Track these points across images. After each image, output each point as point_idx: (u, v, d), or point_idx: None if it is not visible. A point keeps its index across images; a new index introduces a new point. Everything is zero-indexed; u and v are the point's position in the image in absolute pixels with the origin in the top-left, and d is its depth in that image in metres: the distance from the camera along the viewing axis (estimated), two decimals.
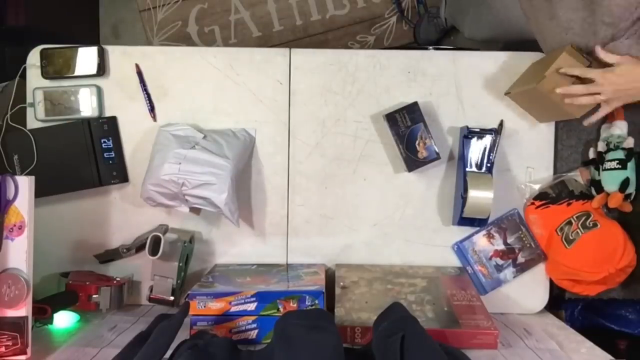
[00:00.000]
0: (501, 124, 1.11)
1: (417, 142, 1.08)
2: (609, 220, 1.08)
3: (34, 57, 1.11)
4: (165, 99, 1.12)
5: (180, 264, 1.06)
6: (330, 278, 1.08)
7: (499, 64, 1.12)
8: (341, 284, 1.06)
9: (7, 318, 0.88)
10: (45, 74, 1.10)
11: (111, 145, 1.11)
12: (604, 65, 0.91)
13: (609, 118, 1.12)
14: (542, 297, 1.14)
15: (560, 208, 1.11)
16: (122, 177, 1.12)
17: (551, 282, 1.14)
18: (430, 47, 1.32)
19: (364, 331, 0.94)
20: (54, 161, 1.08)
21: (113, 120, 1.11)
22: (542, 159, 1.14)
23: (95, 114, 1.11)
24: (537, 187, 1.14)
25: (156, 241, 1.02)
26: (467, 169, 1.08)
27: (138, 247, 1.11)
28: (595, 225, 1.06)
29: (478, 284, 1.12)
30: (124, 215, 1.13)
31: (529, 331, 1.02)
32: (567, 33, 0.93)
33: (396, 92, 1.13)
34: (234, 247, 1.15)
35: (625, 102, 0.94)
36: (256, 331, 0.94)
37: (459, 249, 1.14)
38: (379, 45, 1.70)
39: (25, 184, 0.90)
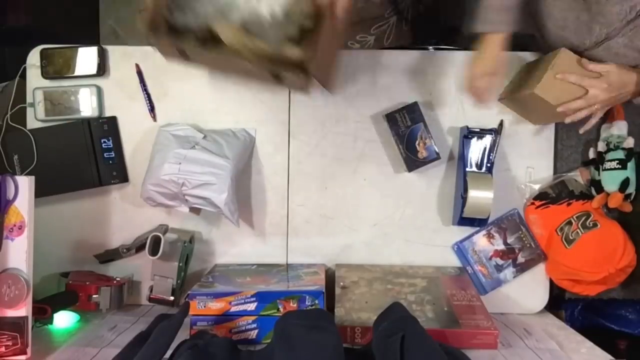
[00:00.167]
0: (501, 124, 1.11)
1: (417, 142, 1.08)
2: (609, 220, 1.08)
3: (34, 57, 1.11)
4: (165, 99, 1.13)
5: (180, 264, 1.06)
6: (330, 278, 1.08)
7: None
8: (341, 284, 1.06)
9: (7, 318, 0.88)
10: (45, 74, 1.10)
11: (111, 145, 1.11)
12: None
13: (609, 118, 1.12)
14: (542, 297, 1.14)
15: (560, 208, 1.11)
16: (122, 177, 1.12)
17: (551, 282, 1.14)
18: (430, 47, 1.31)
19: (364, 331, 0.94)
20: (54, 161, 1.09)
21: (113, 120, 1.12)
22: (542, 159, 1.14)
23: (95, 114, 1.11)
24: (537, 187, 1.14)
25: (156, 241, 1.02)
26: (467, 169, 1.08)
27: (138, 247, 1.11)
28: (595, 225, 1.06)
29: (478, 284, 1.12)
30: (124, 215, 1.13)
31: (529, 331, 1.02)
32: (563, 30, 0.93)
33: (396, 92, 1.13)
34: (234, 247, 1.15)
35: (611, 106, 0.96)
36: (256, 331, 0.94)
37: (459, 249, 1.14)
38: (379, 45, 1.70)
39: (25, 184, 0.90)
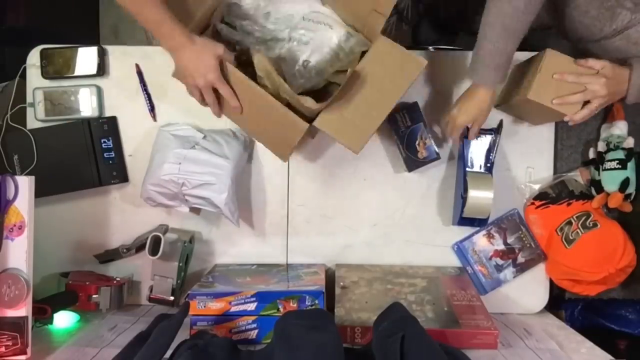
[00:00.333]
0: (501, 123, 1.11)
1: (417, 142, 1.08)
2: (609, 220, 1.08)
3: (34, 57, 1.11)
4: (165, 99, 1.12)
5: (180, 264, 1.06)
6: (330, 278, 1.08)
7: None
8: (341, 284, 1.06)
9: (7, 318, 0.88)
10: (45, 74, 1.10)
11: (111, 145, 1.11)
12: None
13: (609, 118, 1.12)
14: (542, 297, 1.14)
15: (560, 208, 1.11)
16: (122, 177, 1.12)
17: (551, 282, 1.14)
18: (430, 47, 1.31)
19: (364, 331, 0.94)
20: (54, 161, 1.09)
21: (113, 120, 1.11)
22: (542, 159, 1.14)
23: (95, 114, 1.11)
24: (537, 187, 1.14)
25: (156, 241, 1.02)
26: (467, 169, 1.08)
27: (138, 247, 1.11)
28: (595, 225, 1.06)
29: (478, 284, 1.12)
30: (124, 215, 1.13)
31: (529, 331, 1.02)
32: (584, 17, 0.92)
33: None
34: (234, 247, 1.15)
35: (608, 103, 0.96)
36: (256, 331, 0.94)
37: (459, 249, 1.14)
38: None
39: (25, 184, 0.90)
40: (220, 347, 0.83)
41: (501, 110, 1.12)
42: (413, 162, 1.08)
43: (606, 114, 1.13)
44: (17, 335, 0.88)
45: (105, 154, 1.10)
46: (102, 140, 1.10)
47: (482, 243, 1.14)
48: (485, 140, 1.08)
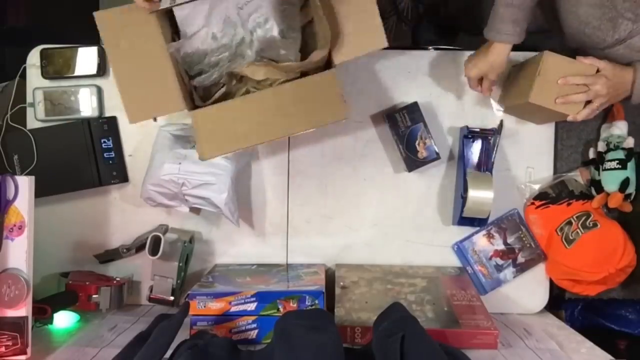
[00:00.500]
0: (501, 124, 1.11)
1: (417, 142, 1.08)
2: (609, 220, 1.08)
3: (34, 57, 1.11)
4: None
5: (180, 264, 1.06)
6: (330, 278, 1.08)
7: None
8: (341, 284, 1.06)
9: (7, 318, 0.88)
10: (45, 74, 1.10)
11: (111, 145, 1.11)
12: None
13: (609, 118, 1.12)
14: (542, 297, 1.14)
15: (560, 208, 1.11)
16: (122, 177, 1.12)
17: (551, 282, 1.14)
18: (430, 47, 1.31)
19: (364, 331, 0.94)
20: (54, 161, 1.08)
21: (113, 120, 1.11)
22: (542, 159, 1.14)
23: (95, 114, 1.11)
24: (537, 187, 1.14)
25: (156, 241, 1.02)
26: (467, 169, 1.08)
27: (138, 247, 1.11)
28: (595, 225, 1.06)
29: (478, 284, 1.12)
30: (124, 215, 1.13)
31: (529, 331, 1.02)
32: (585, 27, 0.92)
33: (396, 92, 1.13)
34: (234, 247, 1.15)
35: (610, 103, 0.97)
36: (256, 331, 0.94)
37: (459, 249, 1.14)
38: None
39: (25, 184, 0.90)
40: (220, 347, 0.83)
41: (505, 113, 1.12)
42: (413, 162, 1.08)
43: (606, 114, 1.13)
44: (17, 335, 0.88)
45: (105, 154, 1.10)
46: (102, 140, 1.10)
47: (482, 243, 1.14)
48: (485, 140, 1.08)
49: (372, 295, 1.03)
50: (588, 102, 0.93)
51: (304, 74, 0.88)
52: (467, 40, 1.42)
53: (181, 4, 0.88)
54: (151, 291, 1.07)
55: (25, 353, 0.88)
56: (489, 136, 1.08)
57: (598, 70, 0.93)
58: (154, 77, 0.87)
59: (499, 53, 0.95)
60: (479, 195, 1.04)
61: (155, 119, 1.11)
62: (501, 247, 1.13)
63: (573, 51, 0.97)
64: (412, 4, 1.71)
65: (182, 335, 0.87)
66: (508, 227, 1.14)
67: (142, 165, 1.07)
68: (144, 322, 1.02)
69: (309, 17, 0.94)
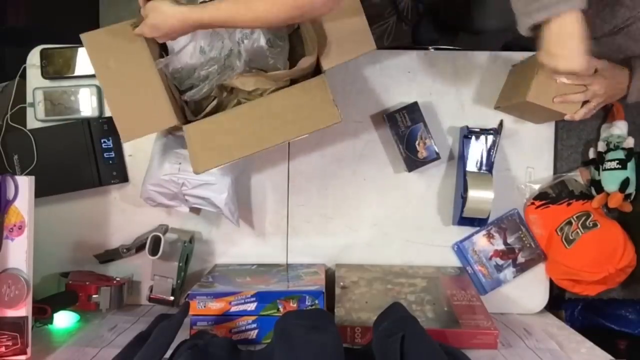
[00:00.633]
0: (501, 123, 1.11)
1: (417, 142, 1.08)
2: (609, 220, 1.08)
3: (34, 57, 1.11)
4: None
5: (180, 264, 1.06)
6: (330, 278, 1.08)
7: (499, 64, 1.12)
8: (341, 284, 1.06)
9: (7, 318, 0.88)
10: (45, 74, 1.10)
11: (111, 145, 1.11)
12: None
13: (609, 118, 1.12)
14: (542, 297, 1.14)
15: (560, 208, 1.11)
16: (122, 177, 1.12)
17: (551, 282, 1.14)
18: (430, 47, 1.31)
19: (364, 331, 0.94)
20: (54, 161, 1.08)
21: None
22: (542, 159, 1.14)
23: (95, 114, 1.11)
24: (537, 187, 1.14)
25: (156, 241, 1.02)
26: (467, 169, 1.08)
27: (138, 247, 1.11)
28: (595, 225, 1.06)
29: (478, 284, 1.12)
30: (123, 215, 1.13)
31: (529, 331, 1.02)
32: (584, 15, 0.92)
33: (396, 92, 1.13)
34: (234, 247, 1.15)
35: (606, 103, 0.97)
36: (256, 331, 0.94)
37: (459, 249, 1.14)
38: (379, 45, 1.70)
39: (25, 184, 0.90)
40: (220, 347, 0.83)
41: (501, 111, 1.12)
42: (413, 162, 1.08)
43: (606, 114, 1.13)
44: (17, 335, 0.88)
45: (105, 154, 1.10)
46: (102, 140, 1.10)
47: (482, 243, 1.14)
48: (485, 140, 1.08)
49: (372, 295, 1.03)
50: (585, 102, 0.94)
51: (293, 82, 0.88)
52: (467, 40, 1.42)
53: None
54: (151, 291, 1.07)
55: (25, 353, 0.88)
56: (488, 136, 1.08)
57: (596, 70, 0.93)
58: (144, 94, 0.87)
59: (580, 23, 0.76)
60: (479, 195, 1.04)
61: None
62: (501, 247, 1.13)
63: None
64: (412, 4, 1.71)
65: (182, 335, 0.87)
66: (508, 227, 1.14)
67: (142, 165, 1.07)
68: (144, 322, 1.02)
69: (296, 24, 0.94)
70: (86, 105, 1.10)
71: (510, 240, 1.13)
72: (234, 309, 0.94)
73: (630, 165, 1.05)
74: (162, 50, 0.94)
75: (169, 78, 0.91)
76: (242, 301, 0.94)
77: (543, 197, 1.12)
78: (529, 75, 0.96)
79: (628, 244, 1.04)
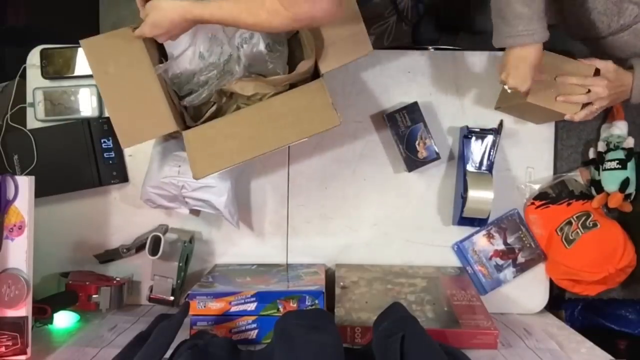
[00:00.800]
0: (501, 123, 1.11)
1: (417, 142, 1.08)
2: (609, 220, 1.08)
3: (34, 57, 1.11)
4: None
5: (180, 264, 1.06)
6: (330, 278, 1.08)
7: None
8: (341, 284, 1.06)
9: (7, 318, 0.88)
10: (45, 74, 1.10)
11: (111, 145, 1.11)
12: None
13: (609, 118, 1.12)
14: (542, 297, 1.14)
15: (560, 208, 1.11)
16: (122, 177, 1.12)
17: (551, 282, 1.14)
18: (430, 47, 1.31)
19: (364, 331, 0.94)
20: (54, 161, 1.08)
21: None
22: (542, 159, 1.14)
23: (95, 114, 1.11)
24: (537, 187, 1.14)
25: (156, 241, 1.02)
26: (467, 169, 1.08)
27: (138, 247, 1.11)
28: (595, 225, 1.06)
29: (478, 284, 1.12)
30: (123, 215, 1.13)
31: (529, 331, 1.02)
32: (590, 13, 0.92)
33: (396, 92, 1.13)
34: (234, 247, 1.15)
35: (609, 105, 0.96)
36: (256, 331, 0.94)
37: (459, 249, 1.14)
38: (379, 45, 1.70)
39: (25, 184, 0.90)
40: (220, 347, 0.83)
41: (501, 111, 1.12)
42: (413, 162, 1.08)
43: (606, 114, 1.13)
44: (17, 335, 0.88)
45: (105, 154, 1.10)
46: (102, 140, 1.10)
47: (482, 243, 1.14)
48: (485, 140, 1.08)
49: (372, 295, 1.03)
50: (588, 103, 0.93)
51: (293, 86, 0.88)
52: (467, 40, 1.42)
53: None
54: (151, 291, 1.07)
55: (25, 353, 0.88)
56: (489, 136, 1.08)
57: (598, 71, 0.93)
58: (144, 100, 0.87)
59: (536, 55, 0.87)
60: (479, 195, 1.04)
61: None
62: (501, 247, 1.13)
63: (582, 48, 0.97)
64: (412, 4, 1.71)
65: (182, 335, 0.87)
66: (508, 227, 1.14)
67: (142, 166, 1.07)
68: (144, 322, 1.02)
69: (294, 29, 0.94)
70: (86, 105, 1.10)
71: (510, 240, 1.13)
72: (234, 309, 0.94)
73: (630, 165, 1.05)
74: (162, 55, 0.94)
75: (168, 83, 0.92)
76: (242, 301, 0.94)
77: (543, 197, 1.12)
78: None
79: (628, 244, 1.04)
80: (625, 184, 1.04)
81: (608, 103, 0.94)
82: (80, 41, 0.87)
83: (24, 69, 1.12)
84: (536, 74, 0.90)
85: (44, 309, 0.95)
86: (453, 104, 1.14)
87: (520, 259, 1.13)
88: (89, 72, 1.08)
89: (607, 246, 1.04)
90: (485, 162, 1.08)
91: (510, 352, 0.92)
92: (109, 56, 0.87)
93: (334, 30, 0.87)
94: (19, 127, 1.10)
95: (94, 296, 1.03)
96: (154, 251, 1.02)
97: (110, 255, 1.12)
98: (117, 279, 1.09)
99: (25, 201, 0.89)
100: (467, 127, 1.09)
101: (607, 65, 0.92)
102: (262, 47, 0.90)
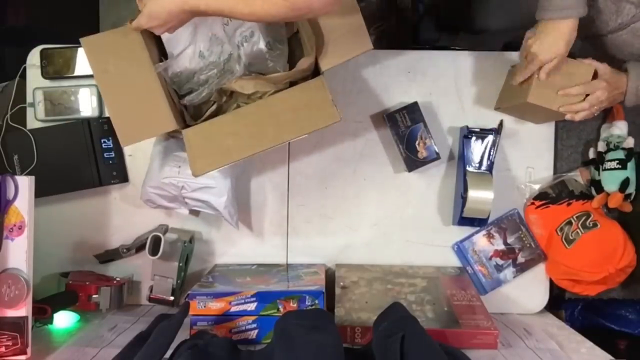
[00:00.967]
0: (501, 123, 1.11)
1: (417, 142, 1.08)
2: (609, 220, 1.08)
3: (34, 57, 1.11)
4: None
5: (180, 264, 1.06)
6: (330, 278, 1.08)
7: (499, 64, 1.12)
8: (341, 284, 1.06)
9: (7, 318, 0.88)
10: (45, 74, 1.10)
11: (111, 145, 1.11)
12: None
13: (609, 118, 1.12)
14: (542, 297, 1.14)
15: (560, 208, 1.11)
16: (122, 177, 1.12)
17: (551, 282, 1.14)
18: (431, 47, 1.31)
19: (364, 331, 0.94)
20: (54, 161, 1.08)
21: None
22: (542, 159, 1.14)
23: (95, 114, 1.11)
24: (537, 187, 1.14)
25: (156, 241, 1.02)
26: (467, 169, 1.08)
27: (138, 247, 1.11)
28: (595, 225, 1.06)
29: (478, 284, 1.12)
30: (123, 215, 1.13)
31: (529, 331, 1.02)
32: (590, 10, 0.92)
33: (396, 92, 1.13)
34: (233, 247, 1.15)
35: (607, 107, 0.98)
36: (256, 331, 0.94)
37: (459, 249, 1.14)
38: (379, 45, 1.69)
39: (25, 184, 0.90)
40: (220, 347, 0.83)
41: (501, 112, 1.12)
42: (413, 162, 1.08)
43: (606, 114, 1.13)
44: (17, 335, 0.88)
45: (105, 154, 1.10)
46: (102, 140, 1.10)
47: (482, 243, 1.13)
48: (485, 140, 1.08)
49: (372, 295, 1.03)
50: None
51: (293, 84, 0.88)
52: (467, 40, 1.42)
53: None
54: (151, 291, 1.07)
55: (25, 353, 0.88)
56: (488, 136, 1.08)
57: (596, 73, 0.93)
58: (143, 98, 0.87)
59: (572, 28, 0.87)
60: (479, 195, 1.04)
61: None
62: (501, 247, 1.13)
63: (582, 48, 0.97)
64: (412, 4, 1.71)
65: (182, 335, 0.87)
66: (508, 227, 1.14)
67: (142, 166, 1.07)
68: (144, 322, 1.02)
69: (295, 28, 0.94)
70: (86, 105, 1.10)
71: (510, 240, 1.13)
72: (234, 309, 0.94)
73: (630, 165, 1.05)
74: (162, 54, 0.94)
75: (168, 82, 0.91)
76: (242, 301, 0.94)
77: (543, 197, 1.12)
78: (529, 76, 0.96)
79: (628, 244, 1.04)
80: (625, 184, 1.04)
81: (606, 105, 0.96)
82: (81, 39, 0.87)
83: (24, 69, 1.12)
84: (566, 49, 0.89)
85: (44, 309, 0.95)
86: (453, 104, 1.14)
87: (520, 259, 1.13)
88: (89, 72, 1.08)
89: (607, 246, 1.04)
90: (485, 162, 1.08)
91: (510, 352, 0.92)
92: (109, 54, 0.87)
93: (333, 28, 0.87)
94: (19, 127, 1.10)
95: (94, 296, 1.03)
96: (154, 251, 1.02)
97: (110, 255, 1.12)
98: (117, 279, 1.09)
99: (25, 201, 0.89)
100: (467, 127, 1.09)
101: (604, 68, 0.93)
102: (262, 45, 0.90)
